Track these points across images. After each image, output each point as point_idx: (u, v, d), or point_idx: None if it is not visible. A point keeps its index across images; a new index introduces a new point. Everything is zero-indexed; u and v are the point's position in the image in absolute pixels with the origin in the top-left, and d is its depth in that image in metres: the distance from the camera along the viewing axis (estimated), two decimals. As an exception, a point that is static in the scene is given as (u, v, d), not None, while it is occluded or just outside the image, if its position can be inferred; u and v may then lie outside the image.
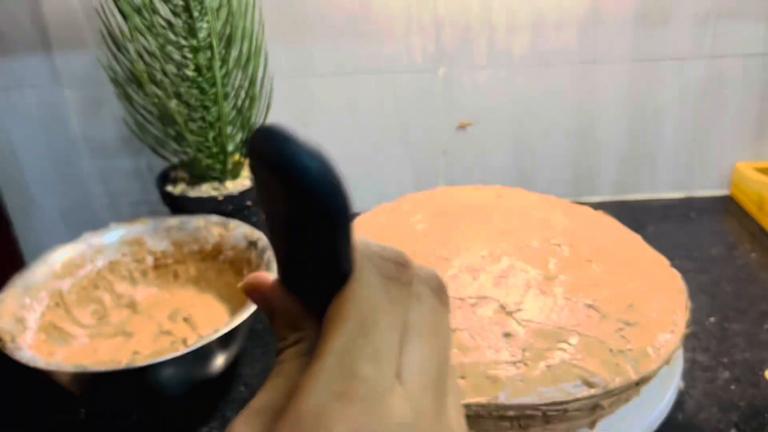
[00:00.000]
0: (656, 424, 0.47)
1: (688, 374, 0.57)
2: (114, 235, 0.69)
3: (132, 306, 0.68)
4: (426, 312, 0.22)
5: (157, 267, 0.70)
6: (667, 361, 0.47)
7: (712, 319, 0.65)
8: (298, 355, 0.22)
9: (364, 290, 0.21)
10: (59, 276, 0.64)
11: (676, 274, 0.55)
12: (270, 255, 0.63)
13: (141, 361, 0.50)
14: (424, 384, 0.21)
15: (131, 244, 0.70)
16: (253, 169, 0.19)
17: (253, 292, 0.23)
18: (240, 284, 0.23)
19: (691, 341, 0.62)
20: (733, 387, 0.56)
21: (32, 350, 0.56)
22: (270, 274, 0.22)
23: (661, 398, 0.48)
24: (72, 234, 0.68)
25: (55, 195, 0.89)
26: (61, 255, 0.66)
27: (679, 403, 0.53)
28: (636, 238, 0.60)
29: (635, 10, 0.80)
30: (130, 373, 0.49)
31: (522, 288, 0.51)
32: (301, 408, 0.19)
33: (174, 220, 0.71)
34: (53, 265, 0.64)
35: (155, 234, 0.69)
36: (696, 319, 0.65)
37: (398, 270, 0.22)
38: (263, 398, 0.21)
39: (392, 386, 0.20)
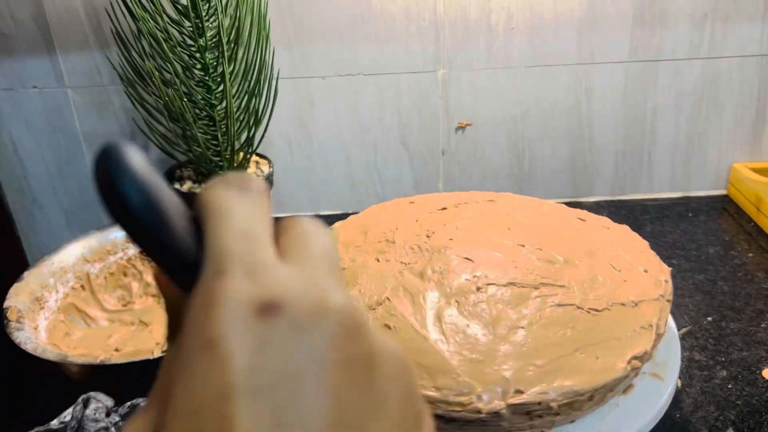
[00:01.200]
0: (654, 423, 0.48)
1: (685, 373, 0.58)
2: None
3: (158, 296, 0.69)
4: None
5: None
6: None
7: (709, 318, 0.65)
8: None
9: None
10: (89, 260, 0.66)
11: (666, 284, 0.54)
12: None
13: (155, 354, 0.51)
14: (313, 262, 0.19)
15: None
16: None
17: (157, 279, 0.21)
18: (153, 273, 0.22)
19: (689, 340, 0.62)
20: (730, 386, 0.57)
21: (46, 330, 0.58)
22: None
23: (658, 397, 0.49)
24: (75, 234, 0.68)
25: (59, 195, 0.89)
26: (93, 241, 0.67)
27: (676, 402, 0.54)
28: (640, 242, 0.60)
29: (632, 12, 0.80)
30: (131, 366, 0.50)
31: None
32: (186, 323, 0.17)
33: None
34: (84, 250, 0.66)
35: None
36: (693, 319, 0.66)
37: (245, 183, 0.20)
38: (156, 387, 0.19)
39: (273, 261, 0.18)
